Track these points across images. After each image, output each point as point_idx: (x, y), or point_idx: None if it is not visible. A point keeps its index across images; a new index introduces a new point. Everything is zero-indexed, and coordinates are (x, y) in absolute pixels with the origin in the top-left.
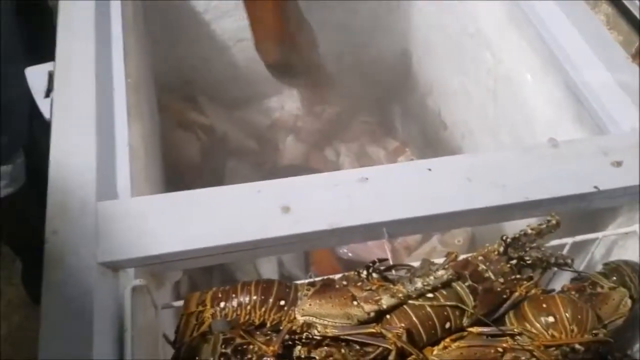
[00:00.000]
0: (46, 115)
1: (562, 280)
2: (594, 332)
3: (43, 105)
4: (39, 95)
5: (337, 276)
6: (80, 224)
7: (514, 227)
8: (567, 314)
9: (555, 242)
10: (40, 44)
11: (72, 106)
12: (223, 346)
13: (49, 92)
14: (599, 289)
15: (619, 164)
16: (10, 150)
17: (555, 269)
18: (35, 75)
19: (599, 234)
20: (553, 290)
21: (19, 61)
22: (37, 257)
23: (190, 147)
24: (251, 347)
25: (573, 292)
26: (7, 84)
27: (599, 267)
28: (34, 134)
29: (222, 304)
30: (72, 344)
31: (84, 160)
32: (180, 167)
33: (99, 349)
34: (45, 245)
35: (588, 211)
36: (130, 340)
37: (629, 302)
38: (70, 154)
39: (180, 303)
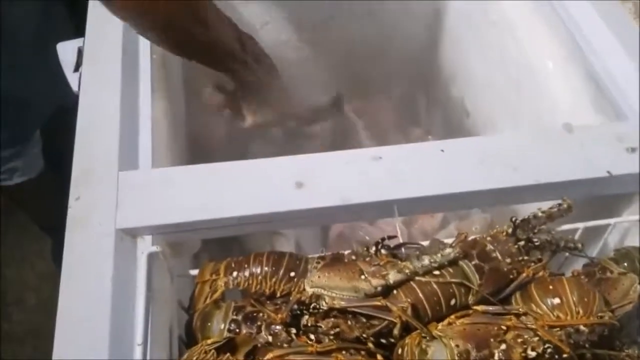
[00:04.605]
0: (74, 88)
1: (573, 266)
2: (599, 314)
3: (72, 79)
4: (69, 70)
5: (347, 251)
6: (102, 192)
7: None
8: (573, 296)
9: (567, 227)
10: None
11: (99, 80)
12: (234, 313)
13: (78, 66)
14: (608, 274)
15: (633, 150)
16: (11, 144)
17: (566, 254)
18: (65, 50)
19: (612, 220)
20: (562, 274)
21: (35, 60)
22: (64, 235)
23: (215, 129)
24: (261, 315)
25: (582, 277)
26: (16, 83)
27: (612, 254)
28: (59, 125)
29: (234, 274)
30: (90, 304)
31: (107, 131)
32: (206, 149)
33: (115, 310)
34: (68, 210)
35: (602, 197)
36: (143, 302)
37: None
38: (96, 125)
39: (196, 272)
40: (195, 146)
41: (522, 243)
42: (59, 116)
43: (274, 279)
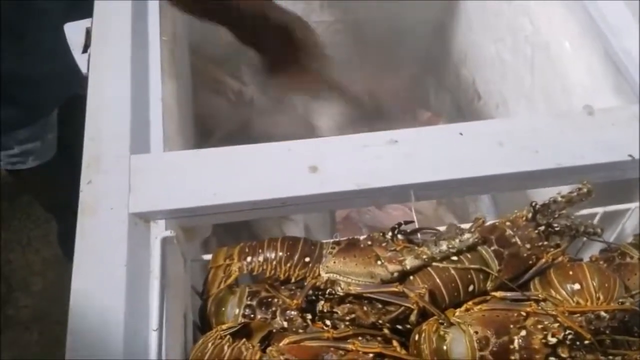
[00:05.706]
0: (83, 70)
1: (591, 251)
2: (620, 300)
3: (80, 60)
4: (77, 51)
5: (362, 237)
6: (114, 176)
7: (545, 197)
8: (593, 282)
9: (585, 212)
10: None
11: (108, 61)
12: (249, 298)
13: (86, 47)
14: (628, 260)
15: None
16: (26, 123)
17: (585, 238)
18: (73, 31)
19: (632, 205)
20: (581, 259)
21: (57, 41)
22: (72, 218)
23: (222, 112)
24: (275, 300)
25: (601, 262)
26: (34, 63)
27: (630, 239)
28: (73, 109)
29: (248, 259)
30: (104, 289)
31: (118, 114)
32: (213, 131)
33: (130, 296)
34: (80, 194)
35: (622, 181)
36: (158, 287)
37: None
38: (106, 107)
39: (209, 257)
40: (203, 129)
41: (542, 228)
42: (75, 100)
43: (288, 264)
